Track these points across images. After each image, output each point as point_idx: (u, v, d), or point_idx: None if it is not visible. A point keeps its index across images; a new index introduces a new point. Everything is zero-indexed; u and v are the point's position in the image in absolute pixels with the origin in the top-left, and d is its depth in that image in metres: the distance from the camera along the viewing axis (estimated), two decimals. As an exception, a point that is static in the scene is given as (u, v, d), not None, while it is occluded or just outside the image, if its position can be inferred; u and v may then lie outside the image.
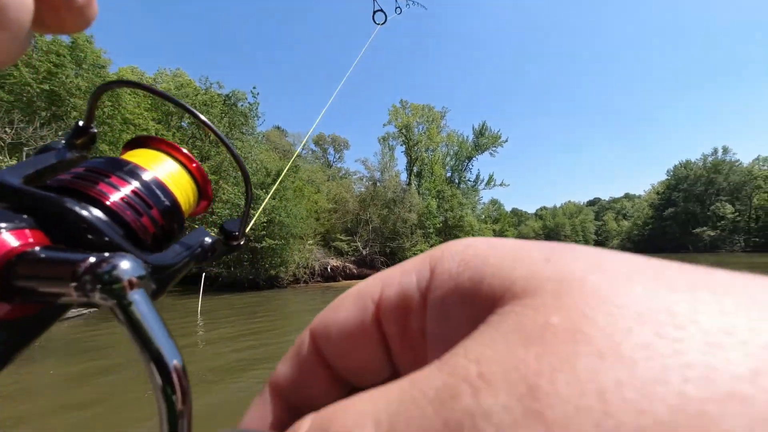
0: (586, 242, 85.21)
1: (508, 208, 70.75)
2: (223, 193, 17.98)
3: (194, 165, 0.30)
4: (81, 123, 0.28)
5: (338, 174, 37.05)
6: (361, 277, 22.60)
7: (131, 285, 0.18)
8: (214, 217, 17.36)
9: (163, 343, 0.17)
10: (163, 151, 0.29)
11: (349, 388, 0.18)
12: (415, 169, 32.83)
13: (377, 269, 24.40)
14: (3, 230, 0.20)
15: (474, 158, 38.74)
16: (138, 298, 0.18)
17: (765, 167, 56.71)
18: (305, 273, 20.47)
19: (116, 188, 0.24)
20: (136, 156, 0.28)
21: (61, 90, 13.91)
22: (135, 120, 15.39)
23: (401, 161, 37.65)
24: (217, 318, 10.80)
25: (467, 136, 39.06)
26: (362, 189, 29.08)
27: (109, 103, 14.51)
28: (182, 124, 19.46)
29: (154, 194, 0.26)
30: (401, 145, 33.15)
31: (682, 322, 0.09)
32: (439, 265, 0.15)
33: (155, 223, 0.25)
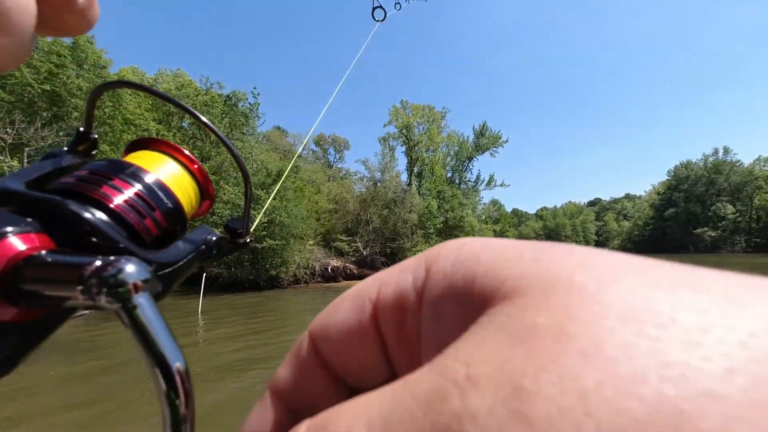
0: (587, 243, 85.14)
1: (508, 208, 70.90)
2: (224, 194, 17.99)
3: (196, 166, 0.30)
4: (81, 129, 0.28)
5: (339, 174, 37.05)
6: (362, 277, 22.59)
7: (136, 288, 0.18)
8: (214, 217, 17.36)
9: (167, 347, 0.17)
10: (165, 152, 0.29)
11: (348, 389, 0.18)
12: (415, 170, 32.83)
13: (378, 270, 24.03)
14: (10, 234, 0.20)
15: (474, 159, 38.75)
16: (143, 302, 0.18)
17: (766, 167, 56.59)
18: (306, 273, 20.47)
19: (119, 191, 0.24)
20: (138, 158, 0.28)
21: (62, 90, 13.94)
22: (136, 120, 15.42)
23: (402, 161, 37.75)
24: (218, 318, 10.81)
25: (468, 137, 39.09)
26: (363, 189, 29.09)
27: (110, 104, 14.54)
28: (183, 124, 19.48)
29: (157, 196, 0.26)
30: (402, 145, 33.17)
31: (663, 321, 0.09)
32: (434, 264, 0.15)
33: (158, 225, 0.26)
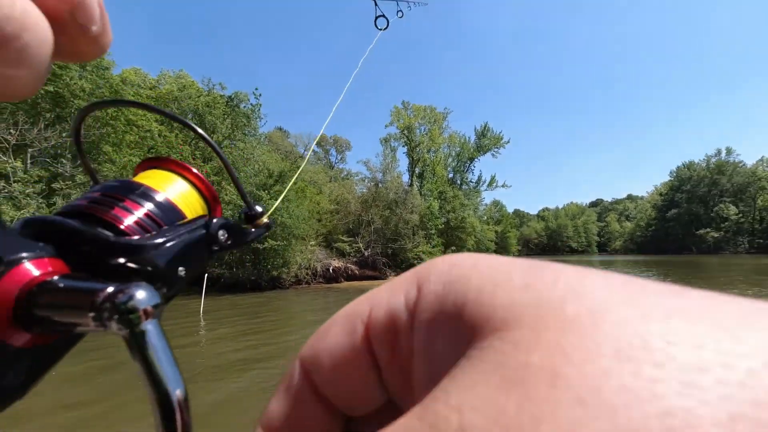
0: (589, 244, 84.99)
1: (510, 209, 70.68)
2: (226, 194, 18.03)
3: (204, 184, 0.30)
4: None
5: (340, 175, 37.07)
6: (363, 278, 22.59)
7: (146, 314, 0.18)
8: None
9: (169, 377, 0.17)
10: (174, 171, 0.30)
11: (343, 419, 0.18)
12: (417, 170, 32.81)
13: (379, 270, 24.45)
14: (24, 260, 0.20)
15: (476, 159, 38.77)
16: (150, 329, 0.18)
17: (769, 168, 56.33)
18: (307, 274, 20.47)
19: (130, 211, 0.25)
20: (147, 177, 0.28)
21: (65, 92, 14.00)
22: (138, 121, 15.47)
23: (403, 162, 37.68)
24: (220, 318, 10.81)
25: (469, 137, 39.14)
26: (364, 190, 29.06)
27: (113, 105, 14.57)
28: (185, 125, 19.54)
29: (167, 216, 0.26)
30: (403, 146, 33.18)
31: (659, 359, 0.09)
32: (425, 285, 0.15)
33: None
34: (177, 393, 0.17)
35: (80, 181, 12.64)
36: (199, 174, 0.30)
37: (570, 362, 0.09)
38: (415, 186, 30.53)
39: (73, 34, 0.19)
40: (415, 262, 24.98)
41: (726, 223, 57.54)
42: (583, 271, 0.12)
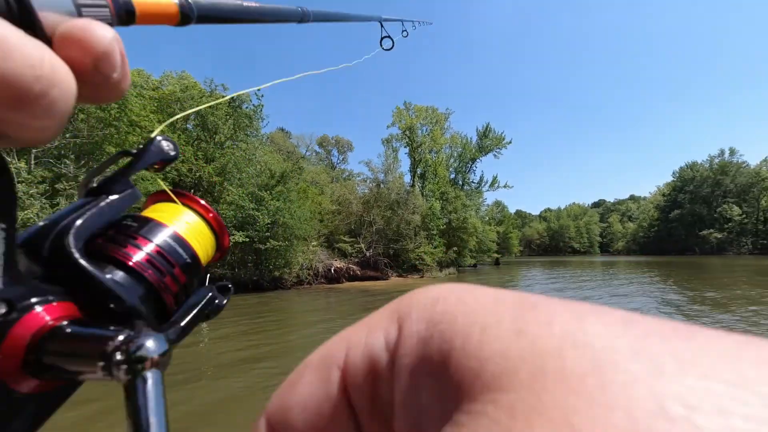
0: (591, 244, 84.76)
1: (512, 209, 70.50)
2: (228, 195, 18.08)
3: (211, 215, 0.31)
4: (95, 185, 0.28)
5: (342, 176, 37.11)
6: (365, 278, 22.61)
7: (153, 364, 0.18)
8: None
9: (155, 429, 0.17)
10: (183, 203, 0.30)
11: None
12: (418, 171, 32.79)
13: (381, 271, 24.47)
14: (36, 306, 0.20)
15: (478, 160, 38.70)
16: (152, 378, 0.18)
17: (773, 169, 56.04)
18: (309, 274, 20.50)
19: (139, 248, 0.25)
20: (156, 211, 0.29)
21: (69, 92, 14.04)
22: (141, 122, 15.52)
23: (405, 163, 37.70)
24: (221, 318, 10.75)
25: (471, 138, 39.10)
26: (366, 191, 29.08)
27: (115, 105, 14.67)
28: (187, 126, 19.61)
29: (176, 252, 0.27)
30: (405, 146, 33.16)
31: (682, 430, 0.08)
32: (406, 322, 0.14)
33: (177, 281, 0.26)
34: None
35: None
36: (207, 205, 0.30)
37: None
38: (416, 186, 30.53)
39: (95, 83, 0.20)
40: (417, 262, 25.01)
41: (729, 224, 57.28)
42: (579, 310, 0.11)
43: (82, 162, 13.69)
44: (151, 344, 0.19)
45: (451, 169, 37.12)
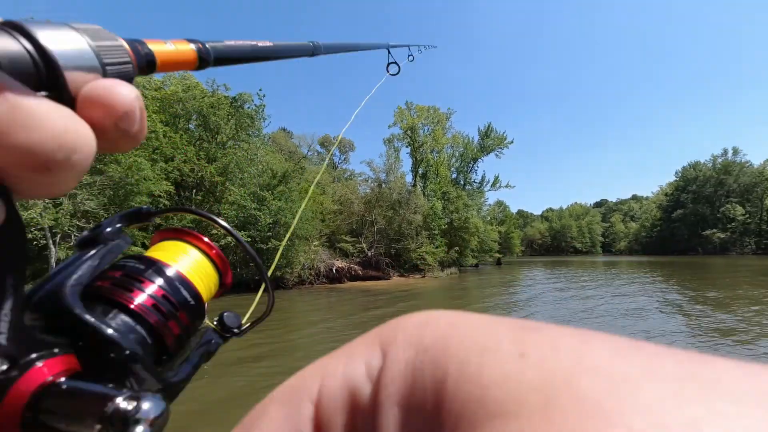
0: (593, 244, 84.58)
1: (513, 209, 70.36)
2: (230, 195, 18.13)
3: (214, 251, 0.31)
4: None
5: (344, 175, 37.19)
6: (367, 278, 22.64)
7: (150, 425, 0.18)
8: (220, 218, 17.42)
9: None
10: (185, 241, 0.30)
11: None
12: (420, 171, 32.79)
13: (382, 270, 24.49)
14: (37, 361, 0.19)
15: (479, 160, 38.66)
16: None
17: (776, 168, 55.78)
18: (311, 274, 20.55)
19: (143, 291, 0.25)
20: (162, 250, 0.29)
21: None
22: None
23: (406, 163, 37.73)
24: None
25: (472, 138, 39.04)
26: (367, 190, 29.12)
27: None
28: (189, 126, 19.67)
29: (179, 293, 0.27)
30: (406, 146, 33.16)
31: None
32: (392, 349, 0.12)
33: (179, 323, 0.26)
34: None
35: (86, 182, 12.77)
36: (210, 242, 0.31)
37: None
38: (418, 186, 30.54)
39: (114, 138, 0.20)
40: (419, 262, 25.02)
41: (732, 224, 57.03)
42: (583, 334, 0.11)
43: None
44: (149, 406, 0.19)
45: (452, 169, 37.09)
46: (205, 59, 0.35)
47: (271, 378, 5.39)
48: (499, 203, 52.37)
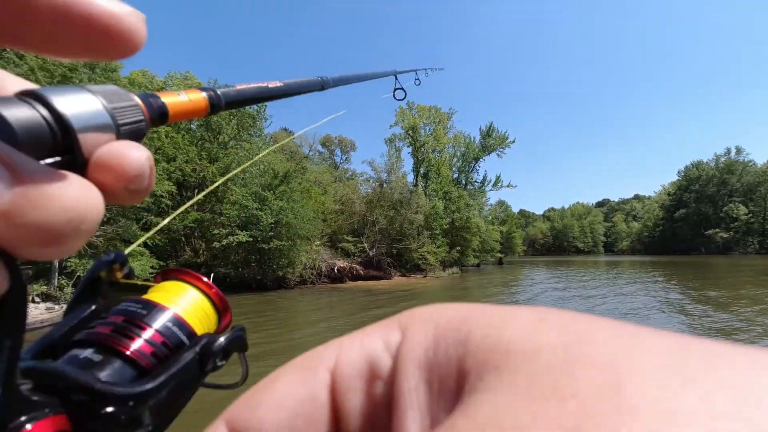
0: (595, 244, 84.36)
1: (515, 209, 70.22)
2: (231, 194, 18.18)
3: (213, 291, 0.31)
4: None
5: (345, 175, 37.22)
6: (368, 278, 22.65)
7: None
8: (222, 218, 17.55)
9: None
10: (183, 281, 0.31)
11: None
12: (421, 171, 32.81)
13: (384, 270, 24.51)
14: (27, 424, 0.19)
15: (481, 159, 38.66)
16: None
17: (780, 168, 55.49)
18: (312, 274, 20.59)
19: (138, 336, 0.25)
20: (161, 291, 0.29)
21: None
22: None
23: (408, 162, 37.74)
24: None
25: (474, 137, 39.04)
26: (369, 190, 29.11)
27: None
28: (191, 126, 19.74)
29: (175, 336, 0.27)
30: (408, 146, 33.17)
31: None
32: (411, 327, 0.13)
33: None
34: None
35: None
36: (209, 282, 0.31)
37: (624, 382, 0.08)
38: (419, 186, 30.56)
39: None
40: (420, 262, 25.02)
41: (735, 224, 56.78)
42: (590, 317, 0.11)
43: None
44: None
45: (454, 169, 37.10)
46: (216, 105, 0.36)
47: (273, 377, 5.42)
48: (501, 203, 52.33)
